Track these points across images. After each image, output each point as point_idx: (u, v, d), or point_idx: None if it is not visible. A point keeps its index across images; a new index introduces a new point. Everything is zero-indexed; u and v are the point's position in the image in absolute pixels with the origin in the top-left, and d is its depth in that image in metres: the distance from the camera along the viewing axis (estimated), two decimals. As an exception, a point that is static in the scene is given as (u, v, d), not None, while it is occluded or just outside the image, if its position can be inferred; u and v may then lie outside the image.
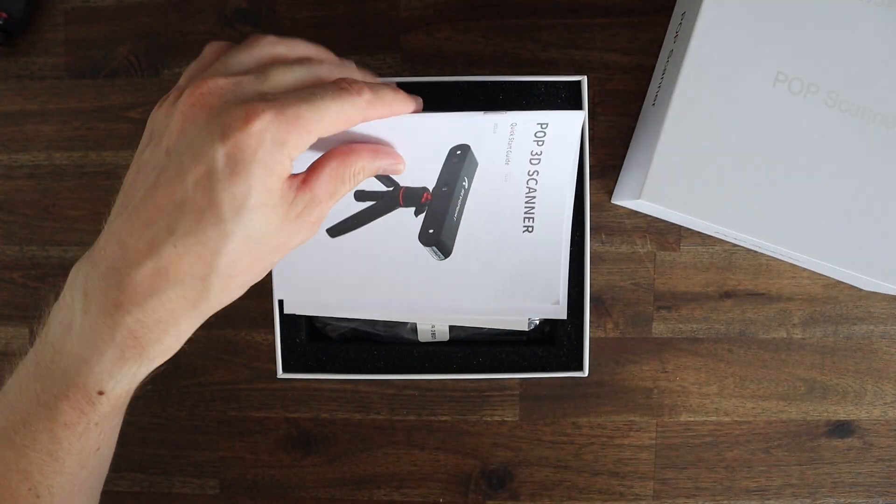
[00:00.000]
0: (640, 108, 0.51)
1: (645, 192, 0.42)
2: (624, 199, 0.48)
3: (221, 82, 0.28)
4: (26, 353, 0.33)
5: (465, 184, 0.43)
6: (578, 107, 0.46)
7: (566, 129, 0.41)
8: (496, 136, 0.40)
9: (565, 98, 0.46)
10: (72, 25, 0.52)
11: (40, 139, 0.53)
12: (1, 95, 0.53)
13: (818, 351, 0.52)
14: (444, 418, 0.53)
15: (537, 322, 0.48)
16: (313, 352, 0.48)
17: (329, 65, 0.32)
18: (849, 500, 0.53)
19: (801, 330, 0.52)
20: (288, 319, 0.47)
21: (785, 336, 0.52)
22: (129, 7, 0.52)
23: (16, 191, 0.53)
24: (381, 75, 0.52)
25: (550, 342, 0.48)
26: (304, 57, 0.32)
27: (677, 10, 0.49)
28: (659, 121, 0.43)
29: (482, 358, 0.47)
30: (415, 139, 0.39)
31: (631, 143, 0.51)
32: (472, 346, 0.48)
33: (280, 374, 0.47)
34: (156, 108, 0.31)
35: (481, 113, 0.39)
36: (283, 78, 0.29)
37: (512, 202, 0.44)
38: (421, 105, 0.35)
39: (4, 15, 0.50)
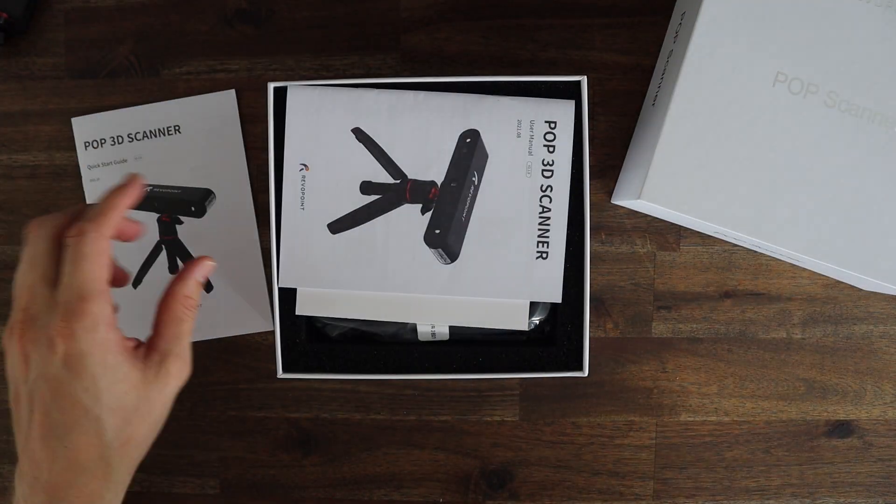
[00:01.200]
0: (640, 108, 0.51)
1: (645, 192, 0.42)
2: (624, 199, 0.48)
3: (21, 315, 0.34)
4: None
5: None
6: (579, 107, 0.46)
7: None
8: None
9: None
10: (72, 25, 0.52)
11: (40, 139, 0.53)
12: (1, 95, 0.53)
13: (818, 351, 0.52)
14: (444, 418, 0.53)
15: (537, 322, 0.48)
16: (313, 352, 0.48)
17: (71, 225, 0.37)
18: (848, 500, 0.53)
19: (801, 330, 0.52)
20: (288, 319, 0.47)
21: (785, 336, 0.52)
22: (129, 7, 0.52)
23: (16, 191, 0.53)
24: (380, 75, 0.52)
25: (550, 342, 0.48)
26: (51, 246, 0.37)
27: (677, 10, 0.49)
28: (659, 121, 0.43)
29: (482, 358, 0.47)
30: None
31: (631, 143, 0.51)
32: (472, 346, 0.48)
33: (280, 374, 0.47)
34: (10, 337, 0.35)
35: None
36: (36, 267, 0.35)
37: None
38: (139, 183, 0.38)
39: (5, 15, 0.50)
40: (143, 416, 0.35)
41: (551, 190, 0.44)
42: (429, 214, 0.43)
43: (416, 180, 0.42)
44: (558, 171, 0.44)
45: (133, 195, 0.37)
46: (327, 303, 0.47)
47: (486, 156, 0.42)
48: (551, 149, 0.44)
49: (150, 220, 0.53)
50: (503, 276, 0.45)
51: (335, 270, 0.46)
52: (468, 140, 0.41)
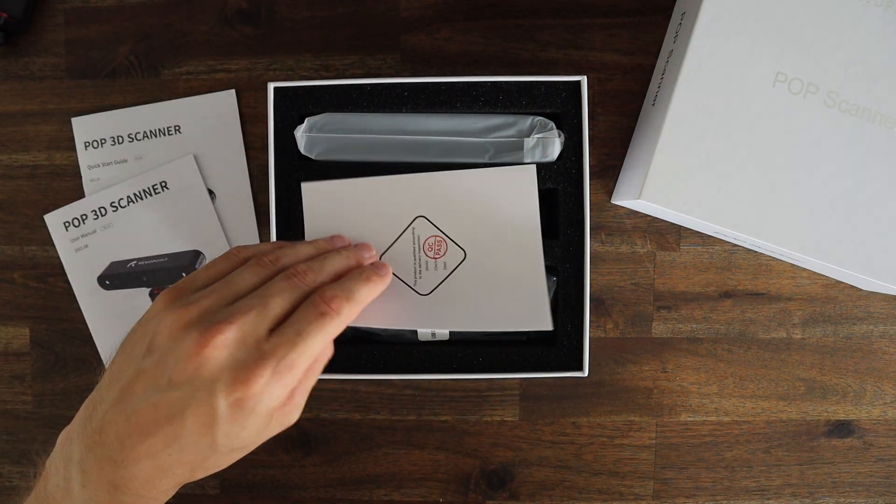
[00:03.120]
0: (640, 108, 0.51)
1: (645, 192, 0.42)
2: (624, 199, 0.48)
3: (227, 333, 0.32)
4: (25, 498, 0.37)
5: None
6: (578, 107, 0.46)
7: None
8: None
9: (565, 98, 0.46)
10: (72, 26, 0.52)
11: (40, 139, 0.53)
12: (1, 95, 0.53)
13: (818, 351, 0.52)
14: (444, 418, 0.53)
15: None
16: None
17: (306, 267, 0.37)
18: (848, 500, 0.53)
19: (801, 330, 0.52)
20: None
21: (785, 336, 0.52)
22: (129, 7, 0.52)
23: (16, 191, 0.53)
24: (380, 75, 0.52)
25: (550, 342, 0.48)
26: (284, 266, 0.37)
27: (677, 10, 0.49)
28: (659, 121, 0.43)
29: (482, 358, 0.47)
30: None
31: (631, 143, 0.51)
32: (472, 346, 0.48)
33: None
34: (162, 305, 0.34)
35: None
36: (277, 310, 0.34)
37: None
38: (389, 278, 0.39)
39: (5, 15, 0.50)
40: (241, 452, 0.34)
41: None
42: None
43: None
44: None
45: (381, 288, 0.38)
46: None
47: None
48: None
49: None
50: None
51: None
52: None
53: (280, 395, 0.32)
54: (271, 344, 0.32)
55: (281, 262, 0.37)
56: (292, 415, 0.35)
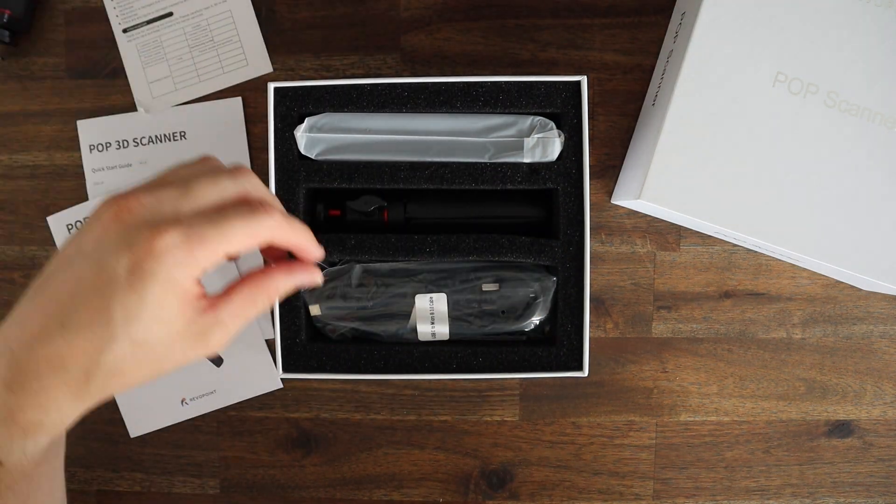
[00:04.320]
0: (640, 108, 0.51)
1: (645, 192, 0.42)
2: (624, 199, 0.48)
3: (143, 199, 0.30)
4: None
5: None
6: (578, 107, 0.46)
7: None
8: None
9: (565, 98, 0.46)
10: (72, 26, 0.52)
11: (40, 139, 0.53)
12: (1, 95, 0.53)
13: (818, 351, 0.52)
14: (444, 418, 0.53)
15: (537, 322, 0.48)
16: (313, 352, 0.48)
17: (259, 196, 0.34)
18: (848, 500, 0.53)
19: (801, 330, 0.52)
20: (288, 319, 0.47)
21: (785, 336, 0.52)
22: (129, 7, 0.52)
23: (16, 191, 0.53)
24: (380, 75, 0.52)
25: (550, 342, 0.48)
26: (241, 192, 0.33)
27: (677, 11, 0.49)
28: (659, 121, 0.43)
29: (482, 358, 0.47)
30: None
31: (631, 143, 0.51)
32: (472, 346, 0.48)
33: (280, 374, 0.47)
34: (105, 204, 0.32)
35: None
36: (203, 195, 0.31)
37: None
38: (322, 255, 0.36)
39: (8, 12, 0.50)
40: (151, 362, 0.30)
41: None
42: None
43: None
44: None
45: (315, 253, 0.35)
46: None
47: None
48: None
49: None
50: None
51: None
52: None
53: (186, 265, 0.29)
54: (187, 214, 0.30)
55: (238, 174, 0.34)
56: (214, 332, 0.31)
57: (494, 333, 0.48)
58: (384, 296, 0.48)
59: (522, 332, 0.48)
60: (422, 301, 0.47)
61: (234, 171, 0.33)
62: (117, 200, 0.30)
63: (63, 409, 0.30)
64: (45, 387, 0.29)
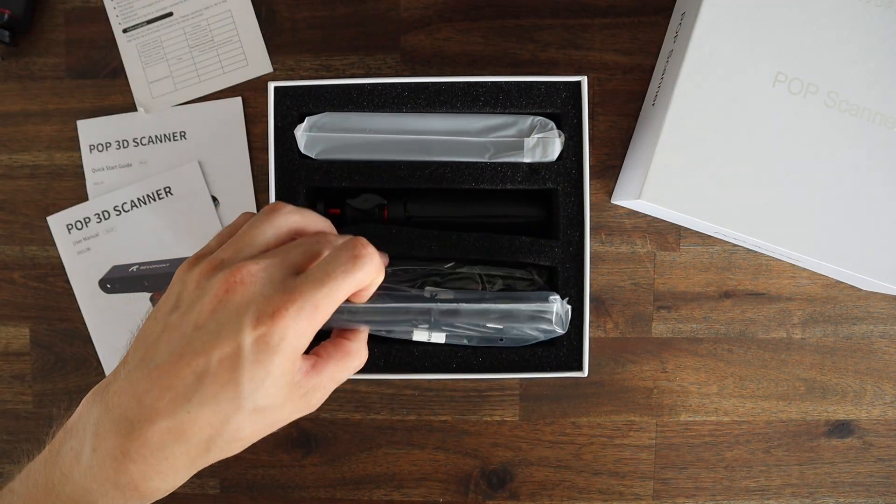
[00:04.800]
0: (640, 108, 0.51)
1: (645, 192, 0.42)
2: (624, 199, 0.48)
3: (253, 269, 0.31)
4: (33, 457, 0.35)
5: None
6: (578, 107, 0.46)
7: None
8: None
9: (565, 98, 0.46)
10: (72, 26, 0.52)
11: (40, 139, 0.53)
12: (1, 95, 0.53)
13: (818, 351, 0.52)
14: (444, 418, 0.53)
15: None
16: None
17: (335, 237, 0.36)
18: (848, 500, 0.53)
19: (801, 330, 0.52)
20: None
21: (785, 336, 0.52)
22: (129, 7, 0.52)
23: (16, 191, 0.53)
24: (380, 75, 0.52)
25: (550, 342, 0.48)
26: (319, 230, 0.36)
27: (677, 11, 0.49)
28: (659, 121, 0.43)
29: (482, 358, 0.47)
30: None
31: (631, 143, 0.51)
32: (472, 346, 0.48)
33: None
34: (185, 267, 0.34)
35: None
36: (300, 256, 0.33)
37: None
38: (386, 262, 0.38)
39: (7, 12, 0.50)
40: (266, 425, 0.32)
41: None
42: None
43: None
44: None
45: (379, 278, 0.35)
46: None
47: None
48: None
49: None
50: None
51: None
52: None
53: (305, 334, 0.31)
54: (297, 282, 0.31)
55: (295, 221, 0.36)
56: (316, 394, 0.33)
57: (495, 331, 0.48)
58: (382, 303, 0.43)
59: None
60: (420, 335, 0.46)
61: (301, 215, 0.35)
62: (226, 275, 0.31)
63: (180, 475, 0.32)
64: (167, 456, 0.30)
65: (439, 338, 0.47)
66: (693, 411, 0.53)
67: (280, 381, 0.31)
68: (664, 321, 0.52)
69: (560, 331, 0.42)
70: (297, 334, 0.30)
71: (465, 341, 0.47)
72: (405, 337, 0.48)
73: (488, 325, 0.43)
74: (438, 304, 0.41)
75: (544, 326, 0.42)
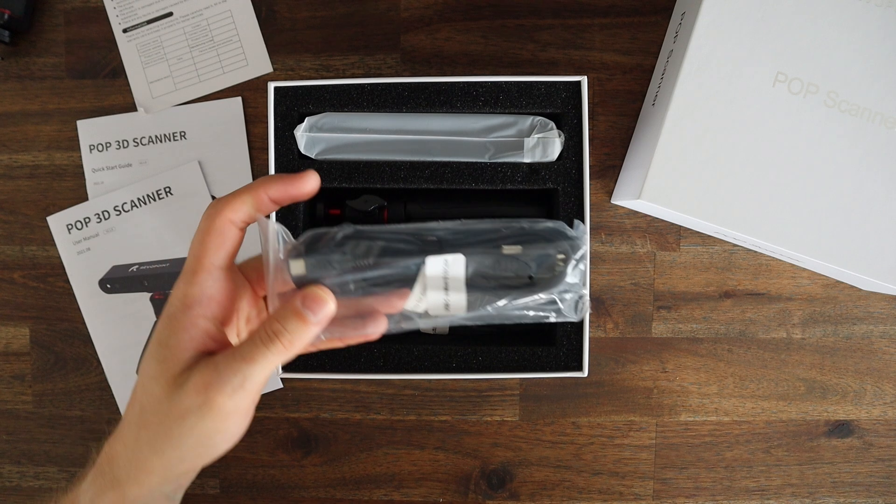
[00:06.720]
0: (640, 108, 0.51)
1: (645, 192, 0.42)
2: (624, 199, 0.48)
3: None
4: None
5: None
6: (578, 107, 0.46)
7: None
8: None
9: (565, 98, 0.46)
10: (72, 26, 0.52)
11: (40, 139, 0.53)
12: (1, 96, 0.53)
13: (818, 351, 0.52)
14: (444, 418, 0.53)
15: (574, 283, 0.39)
16: (313, 352, 0.48)
17: None
18: (848, 500, 0.53)
19: (801, 330, 0.52)
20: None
21: (785, 336, 0.52)
22: (129, 7, 0.52)
23: (16, 191, 0.53)
24: (380, 75, 0.52)
25: (550, 342, 0.48)
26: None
27: (677, 11, 0.49)
28: (659, 121, 0.43)
29: (482, 358, 0.47)
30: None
31: (631, 143, 0.51)
32: (473, 346, 0.48)
33: (280, 374, 0.47)
34: None
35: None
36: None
37: None
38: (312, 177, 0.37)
39: (7, 12, 0.50)
40: (234, 421, 0.35)
41: None
42: None
43: None
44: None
45: (292, 184, 0.35)
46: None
47: None
48: None
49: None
50: None
51: None
52: None
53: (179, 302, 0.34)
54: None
55: None
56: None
57: (494, 326, 0.47)
58: (383, 255, 0.36)
59: (554, 303, 0.36)
60: (434, 265, 0.35)
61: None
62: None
63: (165, 487, 0.36)
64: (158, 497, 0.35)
65: (458, 306, 0.36)
66: (693, 411, 0.53)
67: (153, 364, 0.32)
68: (664, 321, 0.52)
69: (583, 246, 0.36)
70: (174, 303, 0.33)
71: (488, 293, 0.36)
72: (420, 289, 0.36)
73: (505, 249, 0.35)
74: (444, 224, 0.35)
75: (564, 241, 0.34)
